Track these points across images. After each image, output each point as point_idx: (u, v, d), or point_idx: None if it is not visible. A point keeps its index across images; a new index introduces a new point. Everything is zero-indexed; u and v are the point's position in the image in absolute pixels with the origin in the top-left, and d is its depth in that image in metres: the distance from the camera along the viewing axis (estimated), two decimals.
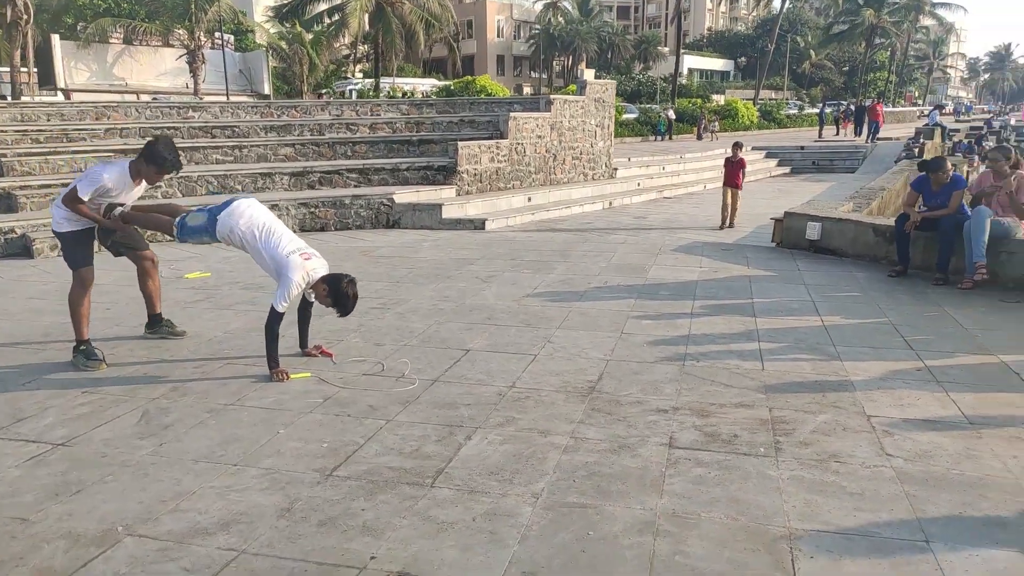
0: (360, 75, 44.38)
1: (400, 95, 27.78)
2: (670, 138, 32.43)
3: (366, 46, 40.79)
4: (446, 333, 5.29)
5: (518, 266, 7.59)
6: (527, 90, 60.99)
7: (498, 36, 67.48)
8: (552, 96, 16.16)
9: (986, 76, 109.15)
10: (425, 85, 35.98)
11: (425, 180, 13.16)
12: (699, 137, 32.78)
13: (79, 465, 3.31)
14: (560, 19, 65.84)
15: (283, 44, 27.03)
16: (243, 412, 3.90)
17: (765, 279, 6.84)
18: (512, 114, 14.37)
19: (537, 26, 66.79)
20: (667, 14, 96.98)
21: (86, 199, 4.48)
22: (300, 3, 31.21)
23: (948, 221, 6.45)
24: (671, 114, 32.88)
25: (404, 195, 11.81)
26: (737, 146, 11.60)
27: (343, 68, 41.45)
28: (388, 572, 2.50)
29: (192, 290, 6.76)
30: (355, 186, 12.78)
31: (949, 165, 6.75)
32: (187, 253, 8.48)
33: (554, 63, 68.33)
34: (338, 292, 4.36)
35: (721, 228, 10.57)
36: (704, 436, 3.53)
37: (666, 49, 75.94)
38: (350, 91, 34.91)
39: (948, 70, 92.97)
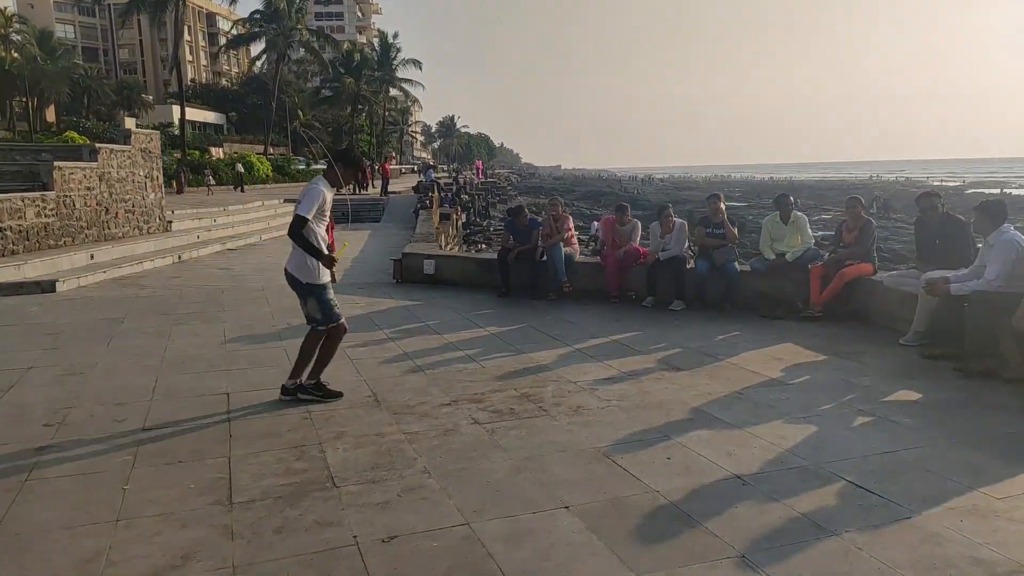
0: None
1: None
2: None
3: None
4: (184, 384, 5.25)
5: (180, 320, 7.42)
6: None
7: None
8: (98, 145, 14.83)
9: (440, 141, 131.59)
10: None
11: None
12: (179, 191, 31.43)
13: None
14: (15, 55, 56.82)
15: None
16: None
17: (417, 307, 8.18)
18: (57, 163, 12.88)
19: None
20: (143, 60, 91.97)
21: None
22: None
23: (532, 252, 8.77)
24: (240, 168, 31.84)
25: None
26: None
27: None
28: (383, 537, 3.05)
29: None
30: None
31: (527, 212, 9.16)
32: None
33: (13, 104, 58.58)
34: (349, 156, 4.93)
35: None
36: (492, 413, 4.67)
37: (151, 97, 71.96)
38: None
39: (414, 135, 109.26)
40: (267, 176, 39.79)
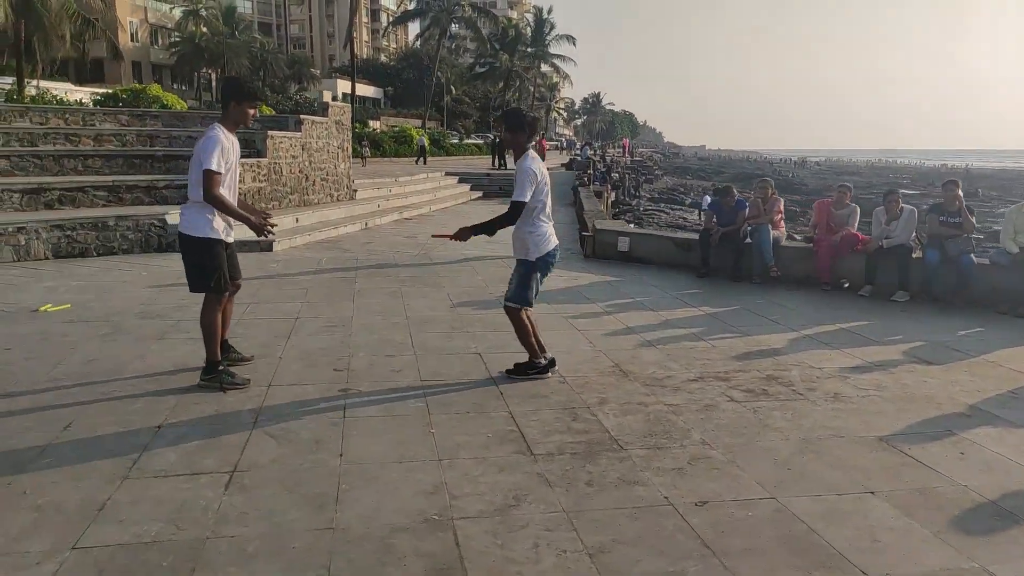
0: None
1: (55, 101, 23.86)
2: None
3: None
4: (435, 341, 5.61)
5: (405, 283, 7.91)
6: None
7: (132, 40, 60.78)
8: (302, 116, 15.97)
9: (584, 118, 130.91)
10: (80, 92, 31.27)
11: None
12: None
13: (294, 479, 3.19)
14: (204, 29, 61.74)
15: None
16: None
17: (619, 283, 8.27)
18: (270, 132, 13.98)
19: (178, 34, 61.70)
20: (311, 35, 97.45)
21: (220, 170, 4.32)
22: None
23: (736, 234, 8.59)
24: (425, 142, 34.00)
25: (177, 215, 10.86)
26: None
27: None
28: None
29: (77, 323, 5.82)
30: (104, 205, 11.34)
31: (735, 191, 8.98)
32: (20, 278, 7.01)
33: (200, 76, 63.95)
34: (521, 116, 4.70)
35: None
36: (745, 392, 4.67)
37: (317, 71, 76.02)
38: None
39: (559, 112, 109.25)
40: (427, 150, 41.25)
